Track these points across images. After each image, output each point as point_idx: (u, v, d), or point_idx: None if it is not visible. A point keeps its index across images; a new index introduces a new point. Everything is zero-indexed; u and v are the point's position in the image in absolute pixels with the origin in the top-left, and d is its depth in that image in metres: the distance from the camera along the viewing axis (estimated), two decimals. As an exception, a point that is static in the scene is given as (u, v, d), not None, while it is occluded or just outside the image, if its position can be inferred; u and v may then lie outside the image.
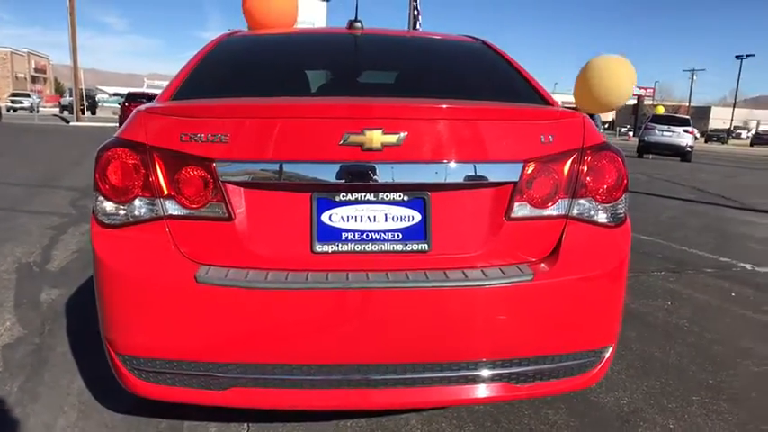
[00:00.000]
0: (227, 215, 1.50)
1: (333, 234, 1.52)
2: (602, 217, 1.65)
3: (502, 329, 1.52)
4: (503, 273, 1.52)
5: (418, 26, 16.93)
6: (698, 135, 24.17)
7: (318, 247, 1.51)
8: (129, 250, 1.53)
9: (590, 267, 1.59)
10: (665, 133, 17.66)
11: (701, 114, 74.38)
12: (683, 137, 17.57)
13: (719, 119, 74.65)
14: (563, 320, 1.57)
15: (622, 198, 1.68)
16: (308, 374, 1.50)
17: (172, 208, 1.52)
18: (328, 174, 1.49)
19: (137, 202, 1.53)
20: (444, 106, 1.53)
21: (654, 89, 63.10)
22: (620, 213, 1.68)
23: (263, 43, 2.53)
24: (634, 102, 53.82)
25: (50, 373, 2.29)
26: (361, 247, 1.52)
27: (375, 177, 1.50)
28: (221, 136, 1.49)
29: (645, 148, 18.26)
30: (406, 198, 1.53)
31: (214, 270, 1.48)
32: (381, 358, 1.50)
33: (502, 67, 2.26)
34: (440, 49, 2.49)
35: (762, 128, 65.31)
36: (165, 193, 1.52)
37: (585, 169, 1.62)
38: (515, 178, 1.55)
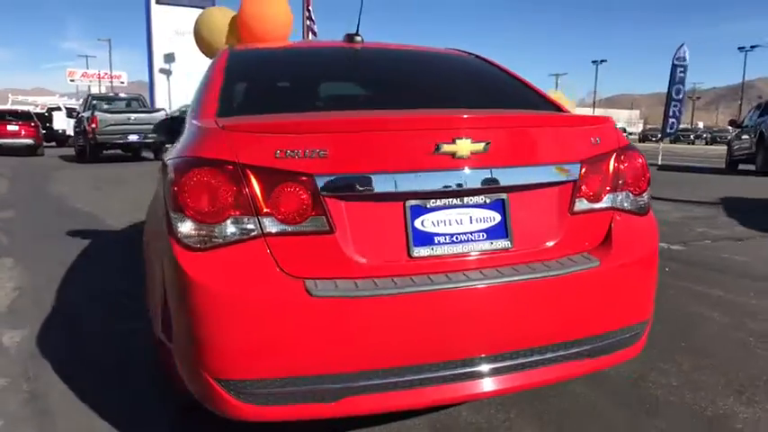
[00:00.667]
0: (328, 228, 1.53)
1: (427, 239, 1.61)
2: (636, 207, 1.89)
3: (579, 312, 1.70)
4: (575, 262, 1.70)
5: (311, 36, 16.92)
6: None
7: (415, 252, 1.59)
8: (229, 271, 1.50)
9: (636, 251, 1.82)
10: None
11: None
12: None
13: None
14: (621, 299, 1.78)
15: (647, 190, 1.94)
16: (418, 374, 1.57)
17: (270, 225, 1.52)
18: (422, 182, 1.58)
19: (229, 222, 1.51)
20: (520, 115, 1.69)
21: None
22: (647, 203, 1.94)
23: (285, 58, 2.52)
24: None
25: (63, 421, 2.11)
26: (452, 249, 1.62)
27: (462, 183, 1.61)
28: (319, 151, 1.52)
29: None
30: (487, 201, 1.66)
31: (323, 283, 1.51)
32: (483, 351, 1.61)
33: (506, 77, 2.46)
34: (450, 63, 2.65)
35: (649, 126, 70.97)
36: (262, 210, 1.51)
37: (622, 166, 1.85)
38: (576, 177, 1.74)
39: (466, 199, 1.64)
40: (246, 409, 1.52)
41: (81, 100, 22.52)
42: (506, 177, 1.65)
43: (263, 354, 1.49)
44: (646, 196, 1.93)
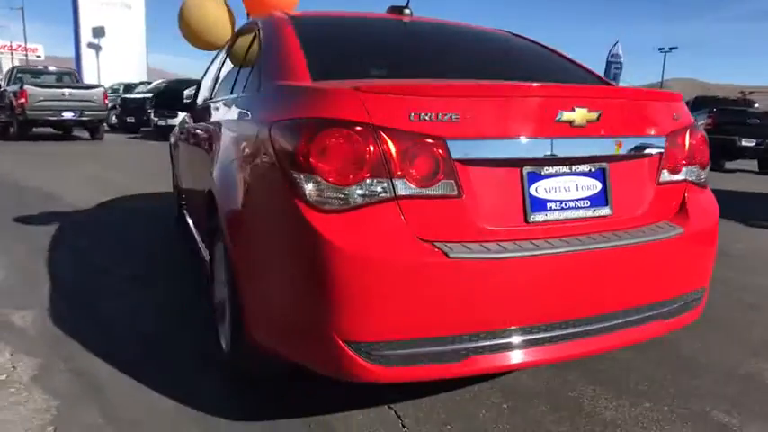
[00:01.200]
0: (456, 192, 1.55)
1: (541, 205, 1.66)
2: (700, 180, 2.03)
3: (664, 275, 1.82)
4: (664, 229, 1.82)
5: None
6: None
7: (532, 218, 1.64)
8: (364, 233, 1.49)
9: (707, 219, 1.96)
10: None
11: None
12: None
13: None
14: (692, 265, 1.92)
15: (708, 165, 2.09)
16: (534, 333, 1.63)
17: (402, 188, 1.52)
18: (541, 149, 1.63)
19: (364, 184, 1.50)
20: (625, 89, 1.77)
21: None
22: (706, 177, 2.09)
23: (352, 25, 2.48)
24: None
25: (119, 397, 2.01)
26: (562, 215, 1.69)
27: (574, 151, 1.68)
28: (452, 115, 1.53)
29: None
30: (591, 169, 1.74)
31: (456, 245, 1.53)
32: (590, 311, 1.70)
33: (550, 53, 2.56)
34: (507, 39, 2.70)
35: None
36: (396, 173, 1.51)
37: (693, 142, 1.98)
38: (662, 150, 1.85)
39: (574, 167, 1.71)
40: (376, 371, 1.53)
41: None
42: (609, 147, 1.74)
43: (396, 315, 1.50)
44: (707, 170, 2.08)
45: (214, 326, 2.37)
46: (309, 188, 1.51)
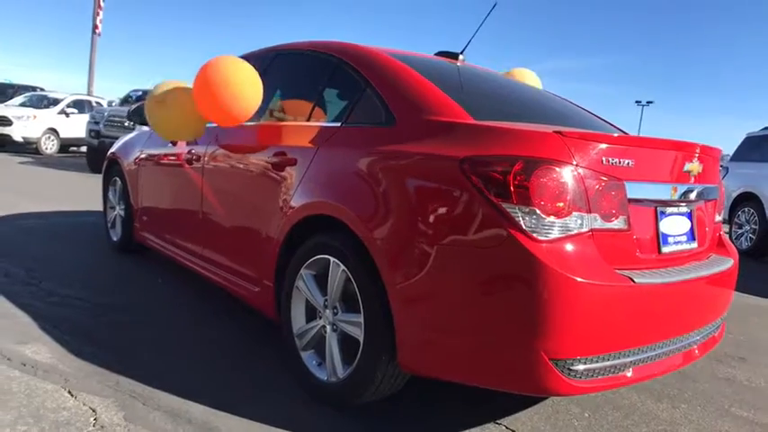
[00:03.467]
0: (627, 227, 1.82)
1: (666, 239, 2.00)
2: (722, 220, 2.57)
3: (720, 299, 2.27)
4: (724, 260, 2.28)
5: (99, 22, 15.66)
6: None
7: (663, 249, 1.97)
8: (571, 260, 1.67)
9: (735, 253, 2.48)
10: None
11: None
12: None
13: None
14: (728, 292, 2.41)
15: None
16: (671, 345, 1.94)
17: (594, 222, 1.74)
18: (671, 192, 1.98)
19: (573, 216, 1.69)
20: (710, 146, 2.20)
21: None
22: (721, 218, 2.64)
23: (448, 68, 2.58)
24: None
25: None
26: (677, 248, 2.04)
27: (684, 195, 2.06)
28: (629, 161, 1.81)
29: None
30: (686, 210, 2.13)
31: (635, 273, 1.79)
32: (693, 327, 2.06)
33: (559, 98, 2.98)
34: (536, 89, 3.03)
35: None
36: (591, 208, 1.73)
37: (722, 189, 2.51)
38: (717, 195, 2.33)
39: (679, 207, 2.09)
40: (570, 385, 1.70)
41: None
42: (697, 194, 2.15)
43: (590, 333, 1.70)
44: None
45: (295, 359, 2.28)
46: (527, 219, 1.65)
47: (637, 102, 45.87)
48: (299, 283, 2.28)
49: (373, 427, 2.01)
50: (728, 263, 2.27)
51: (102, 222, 4.56)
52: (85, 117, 12.36)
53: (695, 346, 2.14)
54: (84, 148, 12.12)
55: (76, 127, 12.77)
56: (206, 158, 3.00)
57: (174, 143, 3.38)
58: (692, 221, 2.16)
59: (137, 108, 3.70)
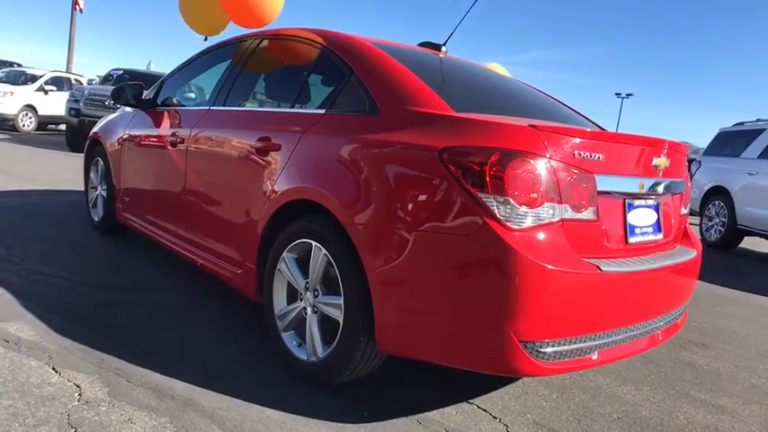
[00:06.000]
0: (595, 218, 1.91)
1: (633, 230, 2.10)
2: (688, 213, 2.68)
3: (682, 287, 2.39)
4: (688, 251, 2.39)
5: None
6: None
7: (630, 239, 2.07)
8: (541, 248, 1.76)
9: (698, 245, 2.60)
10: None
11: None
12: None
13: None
14: (691, 281, 2.53)
15: None
16: (633, 331, 2.05)
17: (565, 212, 1.83)
18: (639, 185, 2.08)
19: (545, 207, 1.78)
20: (680, 143, 2.29)
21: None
22: (685, 211, 2.75)
23: (431, 59, 2.63)
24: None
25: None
26: (642, 239, 2.15)
27: (651, 188, 2.16)
28: (599, 155, 1.90)
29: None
30: (653, 203, 2.23)
31: (602, 261, 1.88)
32: (656, 313, 2.18)
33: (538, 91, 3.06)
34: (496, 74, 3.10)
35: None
36: (562, 199, 1.81)
37: (689, 182, 2.62)
38: (684, 189, 2.44)
39: (647, 200, 2.19)
40: (539, 366, 1.80)
41: None
42: (663, 187, 2.25)
43: (557, 317, 1.79)
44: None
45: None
46: (501, 209, 1.73)
47: (617, 94, 46.26)
48: (282, 266, 2.34)
49: (349, 406, 2.09)
50: (692, 254, 2.39)
51: (84, 202, 4.56)
52: (64, 95, 12.17)
53: (659, 332, 2.26)
54: (62, 127, 11.96)
55: (55, 104, 12.56)
56: (190, 141, 3.03)
57: (158, 124, 3.40)
58: (658, 214, 2.26)
59: (120, 87, 3.69)
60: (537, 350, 1.79)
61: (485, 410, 2.19)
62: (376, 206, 1.97)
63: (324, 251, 2.14)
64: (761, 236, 7.21)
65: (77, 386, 1.96)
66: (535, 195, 1.77)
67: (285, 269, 2.33)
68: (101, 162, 4.18)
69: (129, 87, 3.67)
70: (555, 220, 1.81)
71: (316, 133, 2.33)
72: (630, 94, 48.21)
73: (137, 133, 3.67)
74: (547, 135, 1.82)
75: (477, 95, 2.53)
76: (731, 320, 4.01)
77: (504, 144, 1.79)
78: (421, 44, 3.03)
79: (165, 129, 3.34)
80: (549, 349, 1.81)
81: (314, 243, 2.19)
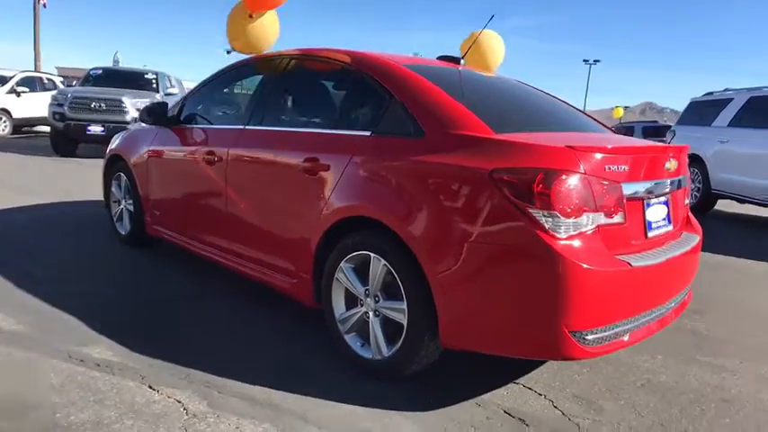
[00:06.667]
0: (623, 221, 2.21)
1: (650, 225, 2.41)
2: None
3: (690, 269, 2.73)
4: (692, 237, 2.73)
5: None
6: None
7: (649, 234, 2.39)
8: (584, 252, 2.06)
9: (700, 229, 2.94)
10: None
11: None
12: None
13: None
14: (697, 261, 2.87)
15: None
16: (655, 313, 2.39)
17: (599, 219, 2.13)
18: (653, 187, 2.39)
19: (584, 216, 2.07)
20: (683, 146, 2.61)
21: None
22: (685, 199, 3.09)
23: (457, 76, 2.86)
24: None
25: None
26: (656, 232, 2.47)
27: (663, 188, 2.48)
28: (623, 167, 2.19)
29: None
30: (663, 199, 2.55)
31: (631, 257, 2.19)
32: (672, 295, 2.52)
33: (557, 100, 3.34)
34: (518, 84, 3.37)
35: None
36: (597, 208, 2.11)
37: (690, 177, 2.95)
38: (687, 183, 2.77)
39: (659, 198, 2.50)
40: (584, 351, 2.11)
41: None
42: (673, 185, 2.57)
43: (598, 308, 2.11)
44: (686, 195, 3.08)
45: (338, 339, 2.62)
46: (548, 221, 2.02)
47: (584, 60, 46.90)
48: (340, 276, 2.60)
49: (417, 395, 2.38)
50: (696, 239, 2.73)
51: (107, 216, 4.71)
52: (38, 96, 11.98)
53: (672, 310, 2.60)
54: (41, 129, 11.80)
55: (29, 106, 12.36)
56: (228, 159, 3.22)
57: (188, 141, 3.58)
58: (668, 208, 2.58)
59: (151, 107, 3.84)
60: (583, 338, 2.10)
61: (530, 389, 2.52)
62: (433, 222, 2.24)
63: (383, 262, 2.40)
64: (733, 199, 7.71)
65: (179, 401, 2.20)
66: (576, 207, 2.05)
67: (343, 278, 2.59)
68: (123, 177, 4.32)
69: (159, 106, 3.82)
70: (592, 226, 2.11)
71: (364, 155, 2.56)
72: (598, 60, 48.84)
73: (165, 150, 3.83)
74: (581, 154, 2.10)
75: (506, 113, 2.78)
76: (718, 285, 4.43)
77: (547, 164, 2.07)
78: (440, 58, 3.26)
79: (198, 146, 3.51)
80: (591, 336, 2.12)
81: (372, 255, 2.44)
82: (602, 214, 2.14)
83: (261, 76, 3.36)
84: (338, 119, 2.87)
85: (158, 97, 10.57)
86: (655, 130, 17.15)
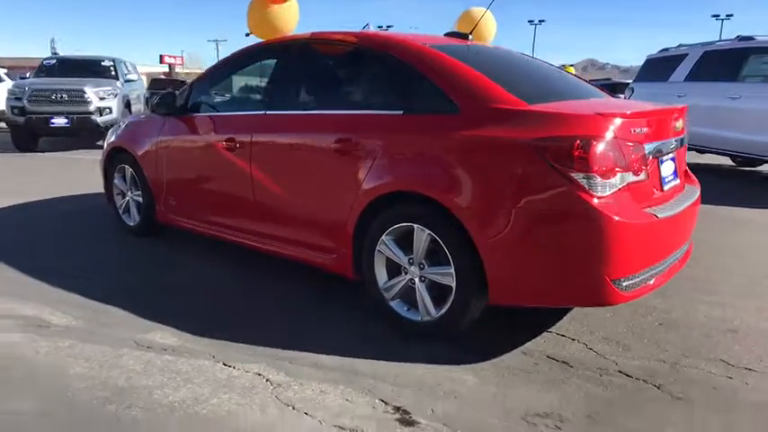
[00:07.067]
0: (647, 177, 2.47)
1: (664, 180, 2.69)
2: (684, 157, 3.31)
3: (695, 220, 3.03)
4: (694, 189, 3.03)
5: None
6: None
7: (664, 188, 2.66)
8: (618, 208, 2.30)
9: (697, 182, 3.24)
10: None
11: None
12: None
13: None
14: (697, 212, 3.17)
15: None
16: (671, 259, 2.68)
17: (628, 177, 2.37)
18: (668, 144, 2.66)
19: (617, 176, 2.31)
20: (684, 106, 2.88)
21: (183, 57, 65.94)
22: (679, 153, 3.39)
23: (486, 53, 3.02)
24: (166, 70, 54.98)
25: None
26: (669, 186, 2.74)
27: (673, 144, 2.75)
28: (644, 128, 2.44)
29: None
30: (671, 155, 2.82)
31: (655, 209, 2.46)
32: (682, 243, 2.81)
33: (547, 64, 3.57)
34: (536, 60, 3.56)
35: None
36: (625, 167, 2.35)
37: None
38: (687, 140, 3.06)
39: (669, 155, 2.77)
40: (621, 296, 2.37)
41: None
42: (678, 143, 2.85)
43: (633, 257, 2.37)
44: (682, 151, 3.38)
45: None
46: (588, 182, 2.25)
47: (529, 21, 47.52)
48: (381, 247, 2.78)
49: (465, 348, 2.61)
50: (697, 192, 3.03)
51: (109, 209, 4.71)
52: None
53: (681, 257, 2.91)
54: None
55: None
56: (252, 144, 3.31)
57: (203, 129, 3.63)
58: (675, 164, 2.86)
59: (164, 98, 3.85)
60: (620, 284, 2.36)
61: (563, 335, 2.79)
62: (479, 191, 2.44)
63: (427, 231, 2.59)
64: (694, 150, 8.21)
65: (258, 374, 2.36)
66: (609, 168, 2.29)
67: (386, 249, 2.77)
68: (129, 169, 4.33)
69: (170, 96, 3.83)
70: (623, 184, 2.35)
71: (398, 133, 2.72)
72: (543, 20, 49.50)
73: (178, 139, 3.86)
74: (611, 119, 2.33)
75: (527, 84, 2.96)
76: (706, 232, 4.82)
77: (583, 131, 2.29)
78: (447, 34, 3.41)
79: (215, 133, 3.57)
80: (626, 282, 2.38)
81: (416, 226, 2.63)
82: (631, 173, 2.39)
83: (277, 61, 3.43)
84: (367, 100, 3.01)
85: (119, 84, 10.31)
86: (611, 87, 17.80)
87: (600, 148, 2.27)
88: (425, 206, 2.60)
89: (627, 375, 2.43)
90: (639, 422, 2.09)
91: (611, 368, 2.49)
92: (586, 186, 2.26)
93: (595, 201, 2.26)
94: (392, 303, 2.81)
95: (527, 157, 2.33)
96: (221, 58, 3.78)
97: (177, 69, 60.55)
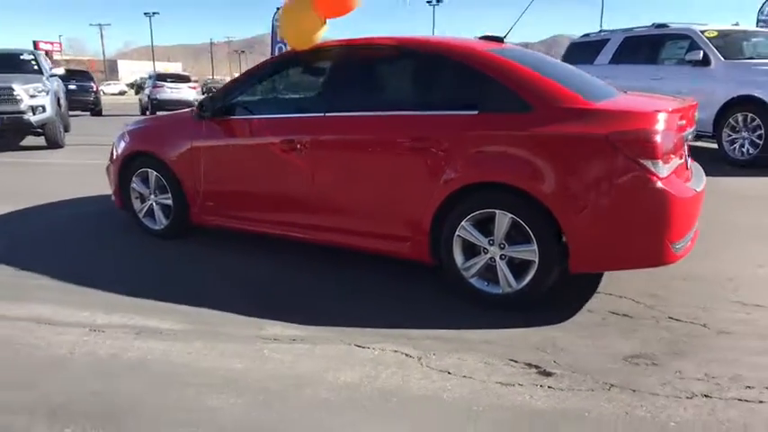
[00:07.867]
0: (684, 160, 3.06)
1: (687, 162, 3.30)
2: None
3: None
4: (699, 170, 3.68)
5: None
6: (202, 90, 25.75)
7: (687, 167, 3.27)
8: (675, 185, 2.86)
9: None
10: (173, 90, 19.37)
11: (112, 67, 78.44)
12: (188, 92, 19.79)
13: (128, 70, 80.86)
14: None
15: None
16: (695, 228, 3.29)
17: (678, 161, 2.95)
18: (691, 132, 3.27)
19: (673, 160, 2.86)
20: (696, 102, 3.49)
21: (61, 44, 60.51)
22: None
23: (529, 55, 3.41)
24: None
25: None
26: (689, 164, 3.35)
27: (691, 132, 3.36)
28: (683, 121, 3.03)
29: (158, 106, 19.41)
30: (686, 144, 3.43)
31: (691, 185, 3.05)
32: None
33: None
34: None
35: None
36: (675, 153, 2.91)
37: None
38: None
39: (687, 140, 3.38)
40: (676, 256, 2.94)
41: None
42: (688, 136, 3.46)
43: (683, 225, 2.95)
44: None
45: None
46: (654, 167, 2.77)
47: (428, 2, 48.23)
48: (461, 232, 3.16)
49: (540, 312, 3.07)
50: (702, 170, 3.68)
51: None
52: None
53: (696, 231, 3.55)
54: None
55: None
56: (314, 146, 3.54)
57: (252, 132, 3.77)
58: (686, 156, 3.48)
59: (206, 101, 3.90)
60: (675, 247, 2.93)
61: (610, 294, 3.34)
62: (562, 178, 2.89)
63: (509, 215, 3.01)
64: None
65: (395, 351, 2.67)
66: (667, 154, 2.83)
67: (465, 233, 3.15)
68: (153, 173, 4.32)
69: (210, 101, 3.92)
70: (675, 166, 2.91)
71: (475, 130, 3.10)
72: (441, 0, 49.91)
73: (223, 143, 3.97)
74: (665, 115, 2.87)
75: (578, 84, 3.41)
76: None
77: (646, 126, 2.81)
78: (482, 37, 3.79)
79: (267, 136, 3.73)
80: (678, 245, 2.96)
81: (498, 211, 3.04)
82: (678, 157, 2.95)
83: (337, 65, 3.66)
84: (440, 102, 3.34)
85: (45, 80, 9.64)
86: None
87: (661, 138, 2.80)
88: (508, 193, 3.01)
89: (678, 320, 3.03)
90: (713, 353, 2.67)
91: (662, 316, 3.07)
92: (653, 169, 2.78)
93: (661, 181, 2.79)
94: (472, 281, 3.21)
95: (603, 148, 2.82)
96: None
97: (56, 57, 55.85)
